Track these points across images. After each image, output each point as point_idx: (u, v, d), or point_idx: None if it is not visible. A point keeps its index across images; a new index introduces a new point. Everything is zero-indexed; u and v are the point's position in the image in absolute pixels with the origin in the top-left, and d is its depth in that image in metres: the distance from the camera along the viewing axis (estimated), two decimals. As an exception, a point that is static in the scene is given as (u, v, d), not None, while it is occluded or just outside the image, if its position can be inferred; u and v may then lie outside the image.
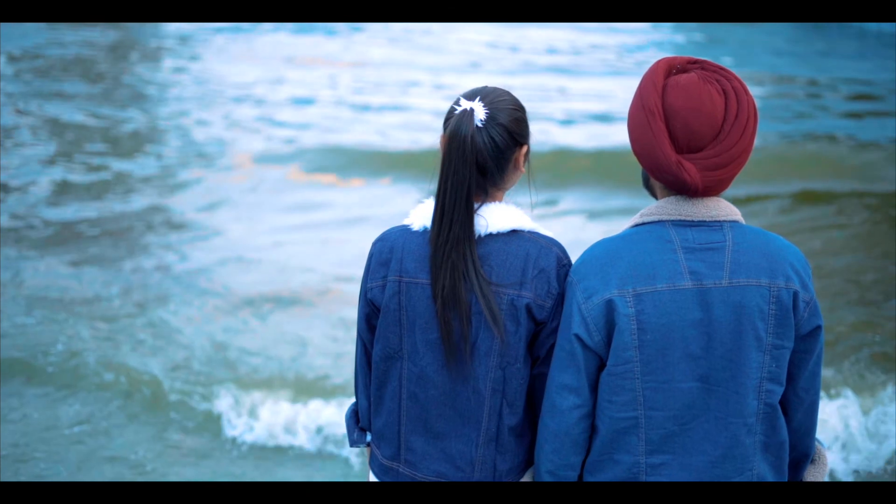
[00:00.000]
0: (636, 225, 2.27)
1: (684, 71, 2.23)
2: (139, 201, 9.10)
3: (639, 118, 2.21)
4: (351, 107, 13.07)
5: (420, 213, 2.35)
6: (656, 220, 2.24)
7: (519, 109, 2.31)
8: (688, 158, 2.18)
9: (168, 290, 6.83)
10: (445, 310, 2.24)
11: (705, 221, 2.22)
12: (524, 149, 2.32)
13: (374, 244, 2.40)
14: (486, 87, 2.33)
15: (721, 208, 2.23)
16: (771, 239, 2.23)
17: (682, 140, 2.17)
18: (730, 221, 2.23)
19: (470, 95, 2.30)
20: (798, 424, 2.25)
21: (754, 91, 13.77)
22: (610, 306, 2.16)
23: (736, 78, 2.22)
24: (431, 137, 10.80)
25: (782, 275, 2.18)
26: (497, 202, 2.32)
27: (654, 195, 2.33)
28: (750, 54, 17.22)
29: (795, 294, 2.17)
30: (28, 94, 12.76)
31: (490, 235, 2.28)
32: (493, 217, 2.28)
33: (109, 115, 12.10)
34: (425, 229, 2.32)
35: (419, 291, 2.30)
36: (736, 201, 2.43)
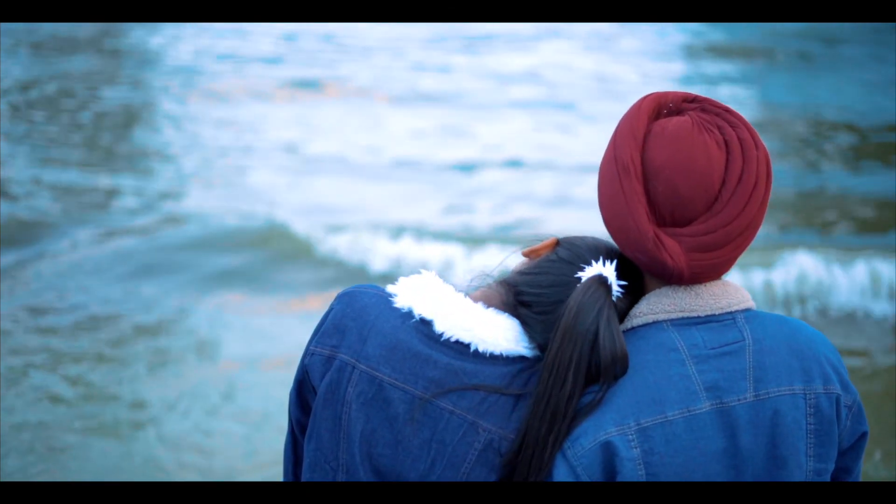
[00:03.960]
0: (626, 330, 1.75)
1: (677, 112, 1.74)
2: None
3: (609, 174, 1.73)
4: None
5: (411, 290, 1.83)
6: (651, 321, 1.73)
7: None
8: (670, 233, 1.69)
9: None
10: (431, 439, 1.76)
11: (714, 315, 1.72)
12: None
13: (340, 299, 1.84)
14: (606, 243, 1.83)
15: (730, 294, 1.74)
16: (797, 329, 1.74)
17: (664, 208, 1.68)
18: (743, 311, 1.74)
19: (596, 251, 1.79)
20: None
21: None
22: (608, 450, 1.65)
23: (744, 123, 1.71)
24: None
25: (819, 375, 1.71)
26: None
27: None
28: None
29: (837, 399, 1.71)
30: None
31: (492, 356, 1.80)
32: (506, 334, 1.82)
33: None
34: (410, 312, 1.80)
35: (374, 389, 1.76)
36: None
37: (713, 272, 1.71)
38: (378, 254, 7.62)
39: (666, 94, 1.76)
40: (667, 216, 1.69)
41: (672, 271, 1.68)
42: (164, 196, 8.83)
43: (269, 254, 7.60)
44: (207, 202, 8.66)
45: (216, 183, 9.29)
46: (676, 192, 1.66)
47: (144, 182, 9.12)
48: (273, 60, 14.13)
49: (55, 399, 5.48)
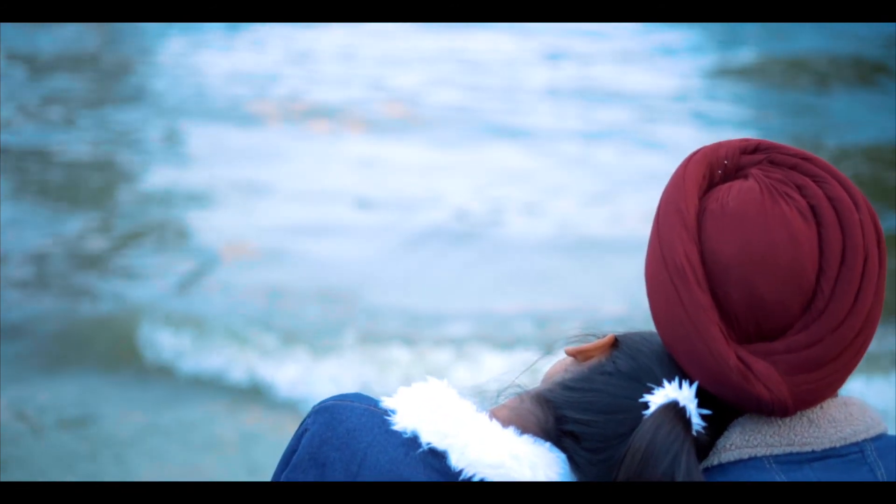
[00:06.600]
0: (711, 468, 1.25)
1: (736, 170, 1.26)
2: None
3: (660, 281, 1.24)
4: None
5: (415, 406, 1.33)
6: (747, 456, 1.24)
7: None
8: (760, 353, 1.21)
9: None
10: None
11: (835, 449, 1.23)
12: None
13: (316, 416, 1.33)
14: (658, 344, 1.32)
15: (855, 418, 1.25)
16: None
17: (744, 320, 1.21)
18: (872, 439, 1.25)
19: (668, 362, 1.28)
20: None
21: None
22: None
23: (832, 174, 1.23)
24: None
25: None
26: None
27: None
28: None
29: None
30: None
31: None
32: None
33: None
34: (415, 438, 1.30)
35: None
36: None
37: (827, 392, 1.23)
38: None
39: (717, 147, 1.28)
40: (750, 330, 1.22)
41: (770, 406, 1.21)
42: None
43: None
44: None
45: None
46: (757, 295, 1.20)
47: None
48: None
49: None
